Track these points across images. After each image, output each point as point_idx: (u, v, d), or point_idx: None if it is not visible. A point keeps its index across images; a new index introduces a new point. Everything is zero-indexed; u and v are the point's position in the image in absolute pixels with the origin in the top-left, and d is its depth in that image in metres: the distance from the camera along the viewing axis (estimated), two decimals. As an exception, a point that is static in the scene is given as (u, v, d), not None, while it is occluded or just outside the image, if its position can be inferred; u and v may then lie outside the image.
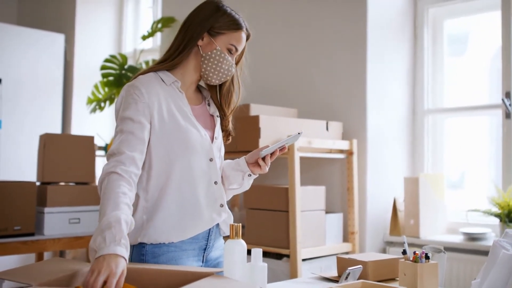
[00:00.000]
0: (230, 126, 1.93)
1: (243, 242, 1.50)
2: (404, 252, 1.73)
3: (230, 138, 1.96)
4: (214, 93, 1.91)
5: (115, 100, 1.82)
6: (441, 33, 3.61)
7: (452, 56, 3.61)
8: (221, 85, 1.90)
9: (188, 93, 1.84)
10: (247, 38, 1.85)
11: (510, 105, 3.19)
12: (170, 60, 1.80)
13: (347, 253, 3.17)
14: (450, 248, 3.11)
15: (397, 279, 1.77)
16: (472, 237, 3.09)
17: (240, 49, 1.82)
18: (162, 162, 1.70)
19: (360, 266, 1.73)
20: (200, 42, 1.79)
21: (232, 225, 1.50)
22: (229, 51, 1.79)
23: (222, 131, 1.91)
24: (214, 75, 1.80)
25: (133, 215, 1.72)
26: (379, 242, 3.37)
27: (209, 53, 1.78)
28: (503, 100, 3.19)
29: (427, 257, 1.69)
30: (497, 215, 3.01)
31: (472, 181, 3.58)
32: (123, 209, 1.48)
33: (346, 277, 1.64)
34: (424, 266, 1.66)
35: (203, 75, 1.82)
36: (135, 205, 1.72)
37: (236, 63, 1.87)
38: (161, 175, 1.71)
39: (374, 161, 3.34)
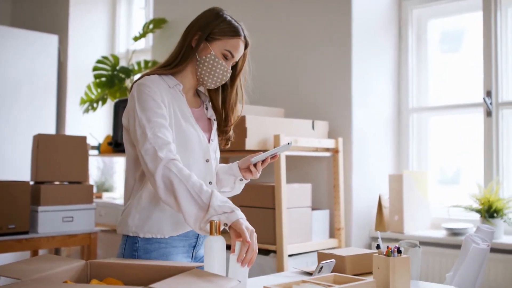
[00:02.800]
0: (231, 132, 2.01)
1: (222, 238, 1.58)
2: (378, 247, 1.82)
3: (230, 143, 2.04)
4: (217, 101, 1.98)
5: (126, 100, 1.88)
6: (425, 34, 3.69)
7: (436, 56, 3.70)
8: (225, 95, 1.97)
9: (188, 96, 1.91)
10: (246, 47, 1.92)
11: (491, 103, 3.28)
12: (172, 66, 1.87)
13: (333, 248, 3.25)
14: (433, 243, 3.21)
15: (374, 272, 1.85)
16: (454, 232, 3.19)
17: (236, 55, 1.88)
18: None
19: (333, 260, 1.82)
20: (197, 48, 1.86)
21: (212, 222, 1.58)
22: (225, 56, 1.86)
23: (219, 136, 1.98)
24: (210, 79, 1.87)
25: (132, 206, 1.80)
26: (365, 238, 3.46)
27: (204, 57, 1.85)
28: (484, 99, 3.28)
29: (399, 251, 1.78)
30: (477, 211, 3.11)
31: (459, 178, 3.67)
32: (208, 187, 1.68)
33: (320, 271, 1.72)
34: (396, 259, 1.75)
35: (199, 79, 1.89)
36: (135, 197, 1.81)
37: (239, 72, 1.94)
38: None
39: (359, 159, 3.43)
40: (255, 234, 1.60)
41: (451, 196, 3.52)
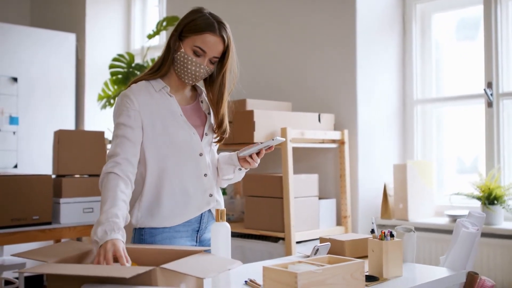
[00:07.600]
0: (225, 125, 2.05)
1: (227, 224, 1.73)
2: (372, 231, 1.96)
3: (223, 139, 2.08)
4: (208, 93, 2.08)
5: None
6: (429, 27, 3.80)
7: (439, 49, 3.80)
8: (212, 87, 2.04)
9: (178, 95, 2.02)
10: (224, 43, 1.93)
11: (491, 94, 3.38)
12: (157, 70, 2.00)
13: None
14: (436, 229, 3.34)
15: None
16: (455, 219, 3.31)
17: (208, 51, 1.91)
18: (155, 161, 1.93)
19: (328, 243, 1.96)
20: (173, 48, 1.96)
21: (218, 209, 1.73)
22: (195, 52, 1.93)
23: (215, 129, 2.04)
24: (186, 76, 1.96)
25: (135, 206, 1.97)
26: (371, 225, 3.58)
27: (176, 55, 1.95)
28: (484, 90, 3.38)
29: (392, 235, 1.92)
30: (478, 198, 3.23)
31: (476, 167, 3.77)
32: (120, 206, 1.74)
33: (315, 253, 1.87)
34: (389, 243, 1.89)
35: (179, 78, 1.99)
36: (136, 197, 1.97)
37: (222, 69, 1.98)
38: (155, 172, 1.94)
39: (364, 149, 3.57)
40: (121, 253, 1.59)
41: (462, 184, 3.58)
